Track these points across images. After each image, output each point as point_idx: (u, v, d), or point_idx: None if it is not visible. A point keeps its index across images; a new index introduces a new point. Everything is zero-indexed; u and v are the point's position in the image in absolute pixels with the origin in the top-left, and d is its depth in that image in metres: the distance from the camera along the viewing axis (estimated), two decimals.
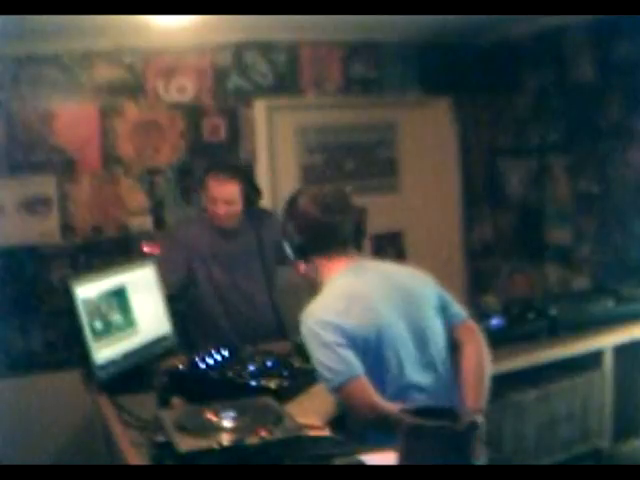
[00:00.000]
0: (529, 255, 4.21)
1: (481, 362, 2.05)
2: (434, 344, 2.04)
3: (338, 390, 1.92)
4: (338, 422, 2.05)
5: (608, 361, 2.86)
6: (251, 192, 3.11)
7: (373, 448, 1.74)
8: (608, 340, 2.85)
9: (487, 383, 2.03)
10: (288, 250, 2.14)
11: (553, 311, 2.83)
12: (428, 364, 2.02)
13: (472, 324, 2.13)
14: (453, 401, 1.97)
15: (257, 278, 3.14)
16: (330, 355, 1.91)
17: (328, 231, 2.06)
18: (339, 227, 2.07)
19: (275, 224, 3.24)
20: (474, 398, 1.98)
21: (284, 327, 3.17)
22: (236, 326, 3.08)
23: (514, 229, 4.37)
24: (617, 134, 3.57)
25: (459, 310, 2.13)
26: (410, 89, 4.26)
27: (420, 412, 1.56)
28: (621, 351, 2.87)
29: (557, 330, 2.81)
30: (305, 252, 2.09)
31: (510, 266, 4.28)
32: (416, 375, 1.99)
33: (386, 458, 1.66)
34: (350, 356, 1.91)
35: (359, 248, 2.14)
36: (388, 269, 2.15)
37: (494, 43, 4.23)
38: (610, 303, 2.97)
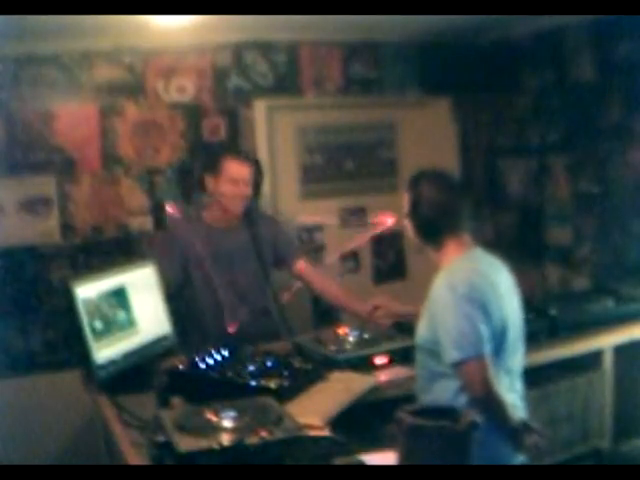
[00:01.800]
0: (529, 255, 4.21)
1: None
2: (520, 334, 2.13)
3: (462, 362, 1.94)
4: (338, 422, 2.05)
5: (608, 361, 2.86)
6: (259, 180, 3.20)
7: (373, 448, 1.74)
8: (608, 340, 2.85)
9: None
10: (413, 230, 2.16)
11: (553, 311, 2.82)
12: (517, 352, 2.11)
13: None
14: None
15: (254, 276, 3.13)
16: (469, 327, 1.94)
17: (455, 212, 2.12)
18: (463, 209, 2.14)
19: (271, 225, 3.26)
20: None
21: (281, 327, 3.17)
22: (228, 326, 3.07)
23: (514, 229, 4.37)
24: (617, 134, 3.57)
25: None
26: (410, 89, 4.26)
27: (420, 412, 1.56)
28: (621, 351, 2.87)
29: (557, 330, 2.81)
30: (433, 232, 2.11)
31: (510, 266, 4.27)
32: (512, 360, 2.07)
33: (386, 458, 1.66)
34: (486, 335, 1.95)
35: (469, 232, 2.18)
36: (493, 258, 2.19)
37: (494, 43, 4.23)
38: (610, 303, 2.97)
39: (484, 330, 1.95)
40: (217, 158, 3.13)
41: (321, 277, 3.27)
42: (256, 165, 3.21)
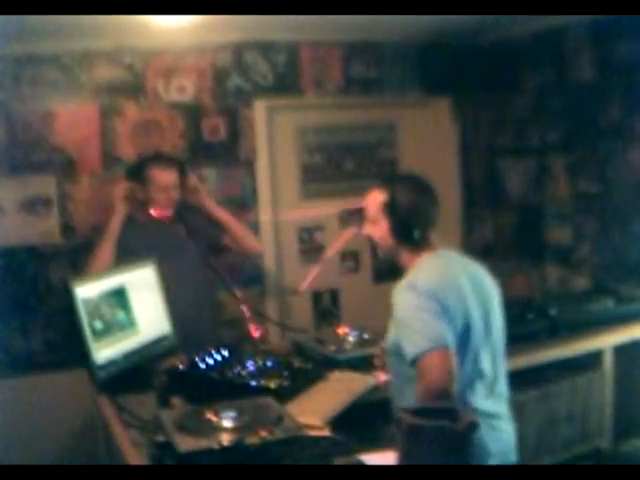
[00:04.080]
0: (529, 255, 4.21)
1: None
2: (496, 336, 2.11)
3: (422, 356, 1.89)
4: (338, 422, 2.05)
5: (608, 361, 2.86)
6: (184, 180, 3.27)
7: (373, 448, 1.74)
8: (608, 340, 2.85)
9: None
10: (386, 230, 2.12)
11: (553, 311, 2.83)
12: (491, 355, 2.08)
13: None
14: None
15: (190, 269, 3.21)
16: (427, 321, 1.93)
17: (427, 217, 2.11)
18: (436, 212, 2.14)
19: (201, 215, 3.33)
20: None
21: (213, 318, 3.35)
22: (181, 318, 3.08)
23: (514, 229, 4.37)
24: (617, 134, 3.57)
25: None
26: (410, 89, 4.26)
27: (420, 412, 1.56)
28: (621, 351, 2.87)
29: (557, 330, 2.81)
30: (406, 235, 2.10)
31: (510, 266, 4.28)
32: (484, 364, 2.05)
33: (386, 458, 1.66)
34: (446, 329, 1.93)
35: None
36: (464, 259, 2.18)
37: (494, 43, 4.23)
38: (610, 303, 2.98)
39: (444, 325, 1.93)
40: (141, 166, 3.22)
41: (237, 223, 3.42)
42: (180, 167, 3.25)
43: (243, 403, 1.93)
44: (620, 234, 3.61)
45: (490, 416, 2.03)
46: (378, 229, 2.14)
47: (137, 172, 3.22)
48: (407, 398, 2.00)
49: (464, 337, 1.99)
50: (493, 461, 1.99)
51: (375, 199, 2.14)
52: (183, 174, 3.27)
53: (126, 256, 3.07)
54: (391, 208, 2.09)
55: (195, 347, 2.55)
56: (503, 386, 2.12)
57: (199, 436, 1.71)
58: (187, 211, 3.30)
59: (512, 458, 2.08)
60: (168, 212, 3.21)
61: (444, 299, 1.97)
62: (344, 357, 2.52)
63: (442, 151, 4.35)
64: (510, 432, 2.11)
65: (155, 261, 2.84)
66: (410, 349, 1.93)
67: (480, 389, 2.02)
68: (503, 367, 2.13)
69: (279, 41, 3.92)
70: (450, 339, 1.92)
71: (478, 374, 2.03)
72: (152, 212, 3.21)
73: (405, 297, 2.00)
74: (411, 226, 2.08)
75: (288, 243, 4.16)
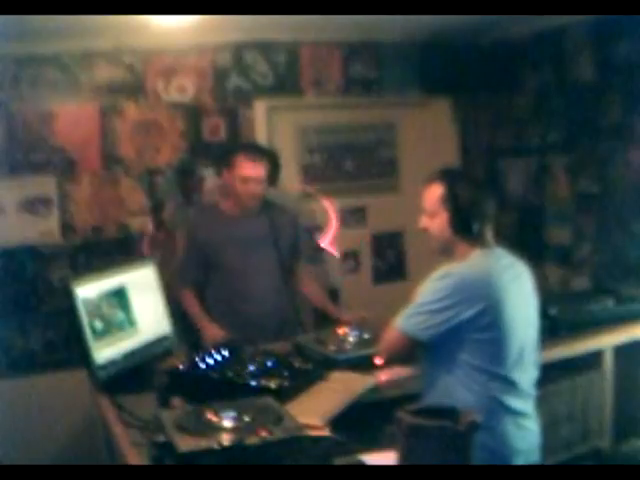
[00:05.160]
0: (529, 255, 4.20)
1: None
2: (531, 336, 2.16)
3: (393, 330, 2.11)
4: (338, 422, 2.05)
5: (608, 361, 2.86)
6: (275, 175, 3.24)
7: (373, 448, 1.74)
8: (608, 340, 2.85)
9: None
10: (445, 222, 2.14)
11: (553, 311, 2.82)
12: (525, 354, 2.11)
13: None
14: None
15: (270, 264, 3.19)
16: (429, 307, 2.03)
17: (485, 212, 2.14)
18: (491, 210, 2.17)
19: (291, 220, 3.30)
20: None
21: (290, 317, 3.29)
22: (246, 309, 3.13)
23: (514, 229, 4.36)
24: (617, 134, 3.57)
25: None
26: (410, 89, 4.26)
27: (420, 412, 1.56)
28: (621, 351, 2.87)
29: (557, 330, 2.81)
30: (465, 227, 2.11)
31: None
32: (517, 363, 2.07)
33: (386, 458, 1.66)
34: (441, 324, 2.01)
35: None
36: (514, 259, 2.22)
37: (494, 43, 4.23)
38: (610, 303, 2.97)
39: (445, 318, 2.00)
40: (230, 154, 3.18)
41: (310, 279, 3.38)
42: (271, 159, 3.21)
43: (243, 403, 1.93)
44: (620, 234, 3.60)
45: (518, 414, 2.06)
46: (437, 221, 2.15)
47: (226, 159, 3.16)
48: (439, 389, 2.08)
49: (499, 332, 2.01)
50: (518, 459, 2.02)
51: (434, 192, 2.16)
52: (274, 166, 3.21)
53: (205, 247, 3.12)
54: (452, 200, 2.11)
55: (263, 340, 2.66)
56: (531, 385, 2.14)
57: (199, 436, 1.71)
58: (273, 207, 3.26)
59: (536, 457, 2.11)
60: (249, 205, 3.14)
61: (473, 294, 1.99)
62: (344, 357, 2.52)
63: (442, 151, 4.35)
64: (536, 431, 2.13)
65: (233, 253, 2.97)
66: (399, 317, 2.09)
67: (511, 388, 2.05)
68: (534, 367, 2.15)
69: (279, 41, 3.92)
70: (425, 333, 2.03)
71: (512, 372, 2.05)
72: (234, 203, 3.14)
73: (435, 280, 2.06)
74: (470, 219, 2.10)
75: None
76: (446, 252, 2.17)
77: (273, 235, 3.18)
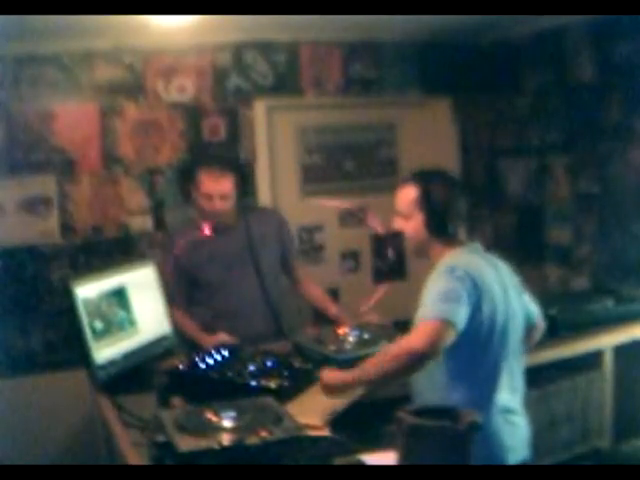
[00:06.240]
0: (529, 255, 4.21)
1: None
2: (516, 331, 2.12)
3: (430, 320, 1.93)
4: (338, 422, 2.05)
5: (608, 361, 2.86)
6: (244, 185, 3.08)
7: (373, 448, 1.74)
8: (608, 340, 2.85)
9: None
10: (420, 224, 2.15)
11: (553, 311, 2.82)
12: (511, 350, 2.09)
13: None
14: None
15: (250, 275, 3.08)
16: (455, 295, 1.95)
17: (459, 211, 2.17)
18: (463, 209, 2.20)
19: (275, 221, 3.22)
20: None
21: (281, 326, 3.17)
22: (232, 326, 3.05)
23: (514, 229, 4.37)
24: (617, 134, 3.57)
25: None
26: (410, 89, 4.26)
27: (420, 412, 1.56)
28: (621, 351, 2.87)
29: (557, 330, 2.81)
30: (441, 228, 2.13)
31: (510, 266, 4.27)
32: (504, 358, 2.06)
33: (386, 458, 1.66)
34: (465, 310, 1.95)
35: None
36: (488, 254, 2.21)
37: (494, 43, 4.23)
38: (610, 303, 2.97)
39: (466, 305, 1.96)
40: (192, 168, 3.03)
41: (309, 280, 3.28)
42: (237, 170, 3.03)
43: (243, 403, 1.93)
44: (620, 234, 3.60)
45: (507, 411, 2.06)
46: (411, 224, 2.17)
47: (189, 174, 2.99)
48: (427, 385, 2.07)
49: (489, 329, 2.02)
50: (508, 455, 2.02)
51: (408, 194, 2.18)
52: (241, 178, 3.01)
53: (188, 267, 3.00)
54: (426, 202, 2.12)
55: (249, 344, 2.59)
56: (520, 381, 2.14)
57: (199, 436, 1.71)
58: (253, 214, 3.11)
59: (525, 453, 2.10)
60: (224, 221, 2.96)
61: (477, 285, 1.99)
62: (344, 357, 2.52)
63: (442, 151, 4.35)
64: (525, 427, 2.12)
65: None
66: (423, 311, 1.96)
67: (500, 383, 2.04)
68: (520, 362, 2.15)
69: (279, 41, 3.92)
70: (461, 320, 1.94)
71: (499, 368, 2.05)
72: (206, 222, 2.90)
73: (440, 275, 2.03)
74: (445, 220, 2.12)
75: None
76: (421, 253, 2.19)
77: (254, 245, 3.05)
